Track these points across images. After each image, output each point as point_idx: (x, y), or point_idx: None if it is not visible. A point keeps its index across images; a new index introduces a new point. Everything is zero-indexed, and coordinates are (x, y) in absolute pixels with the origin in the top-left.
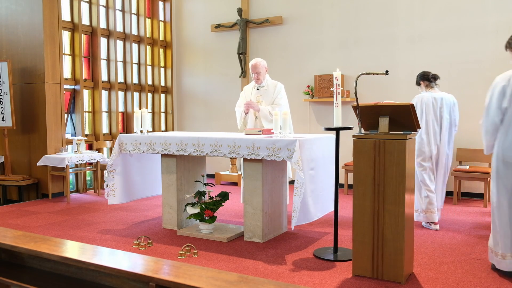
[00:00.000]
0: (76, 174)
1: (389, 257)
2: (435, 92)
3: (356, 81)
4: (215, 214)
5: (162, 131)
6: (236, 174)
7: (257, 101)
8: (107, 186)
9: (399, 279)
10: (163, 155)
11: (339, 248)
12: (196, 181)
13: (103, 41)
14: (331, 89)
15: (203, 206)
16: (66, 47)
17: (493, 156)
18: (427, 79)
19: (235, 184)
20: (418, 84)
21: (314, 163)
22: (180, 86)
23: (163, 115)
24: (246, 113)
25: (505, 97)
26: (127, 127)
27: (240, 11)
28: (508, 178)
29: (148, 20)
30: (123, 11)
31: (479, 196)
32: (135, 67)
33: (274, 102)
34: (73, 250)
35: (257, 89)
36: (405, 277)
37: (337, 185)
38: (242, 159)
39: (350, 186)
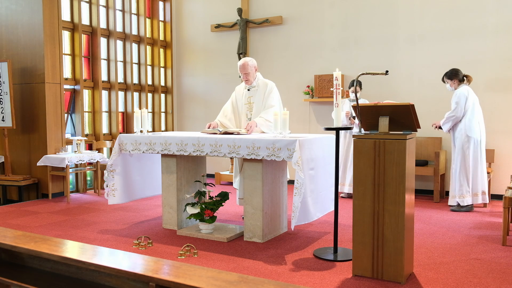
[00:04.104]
0: (76, 174)
1: (389, 257)
2: None
3: (356, 81)
4: (215, 214)
5: (162, 131)
6: None
7: (249, 102)
8: (107, 186)
9: (399, 279)
10: (163, 155)
11: (339, 248)
12: (196, 181)
13: (103, 41)
14: (331, 89)
15: (203, 206)
16: (66, 47)
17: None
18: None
19: None
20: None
21: (314, 163)
22: (180, 86)
23: (163, 115)
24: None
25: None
26: (127, 127)
27: (240, 11)
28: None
29: (148, 20)
30: (123, 11)
31: None
32: (135, 67)
33: (265, 105)
34: (73, 250)
35: (248, 90)
36: (405, 277)
37: (337, 185)
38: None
39: None
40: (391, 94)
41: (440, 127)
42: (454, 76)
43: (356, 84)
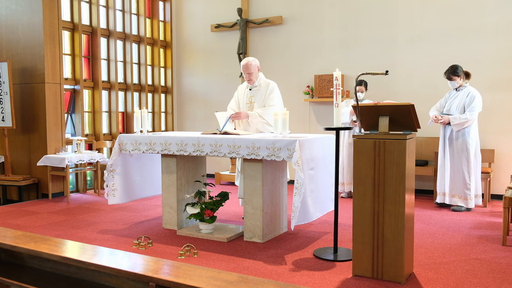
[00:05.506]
0: (76, 174)
1: (389, 257)
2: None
3: (356, 81)
4: (215, 214)
5: (162, 131)
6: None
7: (250, 102)
8: (107, 186)
9: (399, 279)
10: (163, 155)
11: (339, 248)
12: (196, 181)
13: (103, 41)
14: (331, 89)
15: (203, 206)
16: (66, 47)
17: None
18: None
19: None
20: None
21: (314, 163)
22: (180, 86)
23: (163, 115)
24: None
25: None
26: (127, 127)
27: (240, 11)
28: None
29: (148, 20)
30: (123, 11)
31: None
32: (135, 67)
33: (265, 104)
34: (73, 250)
35: (250, 89)
36: (405, 277)
37: (337, 185)
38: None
39: None
40: (391, 94)
41: (445, 123)
42: (460, 71)
43: (357, 84)
